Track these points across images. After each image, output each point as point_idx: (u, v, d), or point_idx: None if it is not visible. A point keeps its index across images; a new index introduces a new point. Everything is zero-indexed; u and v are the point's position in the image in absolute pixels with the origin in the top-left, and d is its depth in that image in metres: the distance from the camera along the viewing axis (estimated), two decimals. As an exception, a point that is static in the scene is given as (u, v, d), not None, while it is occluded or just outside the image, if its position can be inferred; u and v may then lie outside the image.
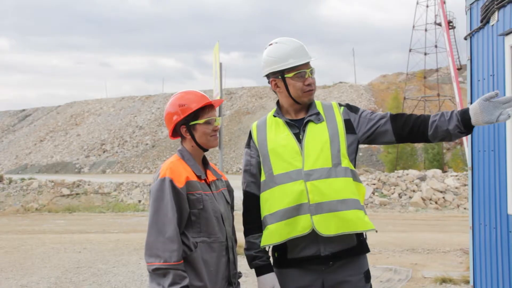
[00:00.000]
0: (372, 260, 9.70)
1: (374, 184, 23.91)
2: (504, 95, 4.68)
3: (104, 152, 73.41)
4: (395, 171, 27.83)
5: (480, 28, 5.29)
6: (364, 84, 79.27)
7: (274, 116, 3.15)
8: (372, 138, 3.05)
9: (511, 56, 4.65)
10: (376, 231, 3.02)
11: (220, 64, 10.32)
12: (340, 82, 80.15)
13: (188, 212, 2.90)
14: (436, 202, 22.26)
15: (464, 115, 2.78)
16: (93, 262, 10.39)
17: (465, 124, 2.77)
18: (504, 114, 2.66)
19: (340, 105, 3.14)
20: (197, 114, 3.02)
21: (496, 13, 4.86)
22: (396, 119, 3.00)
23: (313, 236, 2.88)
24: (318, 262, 2.95)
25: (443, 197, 22.55)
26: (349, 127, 3.05)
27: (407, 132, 2.95)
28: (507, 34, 4.64)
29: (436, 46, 61.50)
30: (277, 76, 3.05)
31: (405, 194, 23.14)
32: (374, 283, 7.72)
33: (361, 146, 3.24)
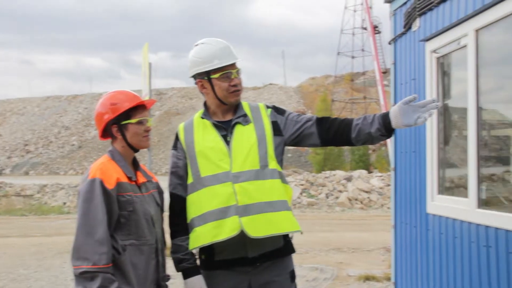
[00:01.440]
0: (299, 259, 9.84)
1: (302, 185, 24.26)
2: (424, 97, 4.87)
3: (27, 153, 71.00)
4: (323, 172, 28.37)
5: (403, 34, 5.48)
6: (294, 86, 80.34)
7: (202, 117, 3.13)
8: (298, 140, 3.09)
9: (431, 61, 4.84)
10: (302, 233, 3.05)
11: (150, 64, 10.19)
12: (270, 84, 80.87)
13: (117, 214, 2.84)
14: (361, 202, 22.84)
15: (385, 118, 2.86)
16: (13, 267, 10.00)
17: (386, 127, 2.85)
18: (421, 118, 2.76)
19: (268, 107, 3.16)
20: (129, 114, 2.97)
21: (418, 19, 5.04)
22: (322, 122, 3.05)
23: (240, 238, 2.89)
24: (246, 263, 2.96)
25: (368, 197, 23.17)
26: (276, 129, 3.07)
27: (332, 135, 3.00)
28: (428, 39, 4.82)
29: (363, 50, 63.16)
30: (203, 77, 3.04)
31: (332, 195, 23.61)
32: (300, 282, 7.84)
33: (289, 147, 3.27)
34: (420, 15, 4.98)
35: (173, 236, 3.08)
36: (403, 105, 2.79)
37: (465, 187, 4.25)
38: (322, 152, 46.21)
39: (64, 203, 23.65)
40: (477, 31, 4.06)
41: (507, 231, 3.62)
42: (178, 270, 3.05)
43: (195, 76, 3.09)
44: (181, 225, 3.05)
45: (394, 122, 2.82)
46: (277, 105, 3.25)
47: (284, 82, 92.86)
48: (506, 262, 3.62)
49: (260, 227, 2.88)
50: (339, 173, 26.40)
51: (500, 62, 4.24)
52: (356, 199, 23.01)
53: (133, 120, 2.96)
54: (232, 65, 3.04)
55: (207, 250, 3.00)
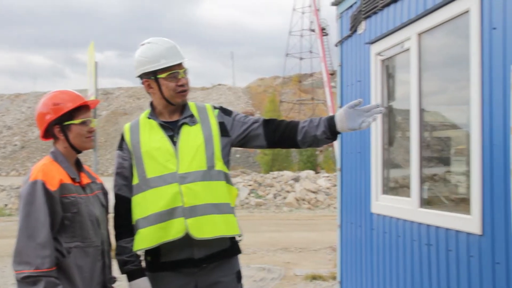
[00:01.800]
0: (247, 260, 9.87)
1: (250, 185, 24.32)
2: (369, 99, 4.97)
3: (-33, 152, 68.63)
4: (271, 173, 28.50)
5: (349, 36, 5.57)
6: (242, 87, 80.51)
7: (148, 118, 3.10)
8: (244, 141, 3.10)
9: (376, 63, 4.94)
10: (240, 236, 3.06)
11: (96, 63, 10.02)
12: (219, 84, 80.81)
13: (61, 216, 2.78)
14: (309, 202, 23.07)
15: (331, 121, 2.90)
16: (-51, 272, 9.65)
17: (332, 130, 2.89)
18: (365, 122, 2.81)
19: (215, 107, 3.16)
20: (71, 114, 2.91)
21: (364, 22, 5.13)
22: (268, 124, 3.07)
23: (186, 239, 2.87)
24: (192, 264, 2.94)
25: (315, 197, 23.43)
26: (223, 130, 3.07)
27: (278, 137, 3.02)
28: (373, 42, 4.92)
29: (311, 52, 63.90)
30: (150, 77, 3.01)
31: (280, 195, 23.77)
32: (248, 282, 7.86)
33: (238, 148, 3.27)
34: (365, 18, 5.08)
35: (118, 238, 3.03)
36: (349, 109, 2.83)
37: (408, 187, 4.36)
38: (270, 153, 46.45)
39: (6, 205, 22.97)
40: (419, 34, 4.17)
41: (447, 229, 3.73)
42: (122, 272, 3.01)
43: (141, 76, 3.06)
44: (126, 226, 3.01)
45: (339, 126, 2.87)
46: (225, 105, 3.26)
47: (233, 82, 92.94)
48: (446, 259, 3.73)
49: (204, 229, 2.87)
50: (287, 174, 26.59)
51: (442, 65, 4.36)
52: (303, 199, 23.23)
53: (76, 121, 2.91)
54: (179, 65, 3.02)
55: (153, 252, 2.98)
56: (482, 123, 3.35)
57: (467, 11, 3.50)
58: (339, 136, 3.01)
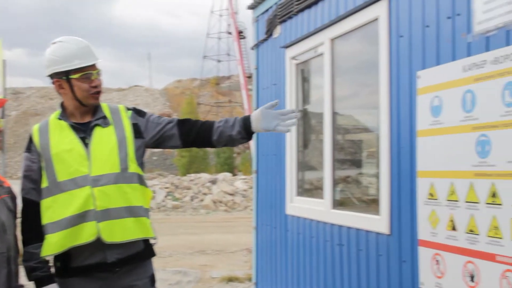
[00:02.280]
0: (162, 263, 9.76)
1: (167, 188, 24.09)
2: (284, 102, 5.04)
3: None
4: (188, 175, 28.36)
5: (265, 40, 5.63)
6: (160, 88, 79.61)
7: (59, 119, 2.99)
8: (159, 142, 3.07)
9: (290, 67, 5.03)
10: (155, 239, 3.03)
11: (4, 61, 9.60)
12: (135, 86, 79.52)
13: None
14: (226, 204, 23.13)
15: (246, 121, 2.92)
16: None
17: (247, 130, 2.92)
18: (281, 126, 2.85)
19: (128, 109, 3.10)
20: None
21: (279, 26, 5.20)
22: (183, 124, 3.05)
23: (98, 243, 2.80)
24: (104, 269, 2.87)
25: (233, 199, 23.52)
26: (137, 132, 3.02)
27: (193, 137, 3.01)
28: (288, 46, 5.00)
29: (228, 54, 64.12)
30: (62, 77, 2.92)
31: (197, 197, 23.69)
32: (163, 286, 7.77)
33: (155, 149, 3.24)
34: (280, 22, 5.16)
35: (25, 243, 2.91)
36: (265, 109, 2.86)
37: (322, 189, 4.46)
38: (187, 155, 46.16)
39: None
40: (332, 40, 4.28)
41: (357, 229, 3.85)
42: (30, 279, 2.89)
43: (52, 75, 2.96)
44: (34, 231, 2.89)
45: (254, 125, 2.89)
46: (142, 107, 3.20)
47: (150, 84, 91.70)
48: (357, 259, 3.85)
49: (116, 233, 2.82)
50: (204, 176, 26.55)
51: (355, 70, 4.49)
52: (220, 202, 23.26)
53: (-20, 121, 2.78)
54: (93, 66, 2.95)
55: (62, 257, 2.88)
56: (391, 127, 3.48)
57: (376, 19, 3.63)
58: (254, 137, 3.03)
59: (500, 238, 2.58)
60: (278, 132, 2.90)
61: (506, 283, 2.55)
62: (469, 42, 2.82)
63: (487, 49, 2.69)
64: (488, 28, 2.68)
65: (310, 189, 5.05)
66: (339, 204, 4.40)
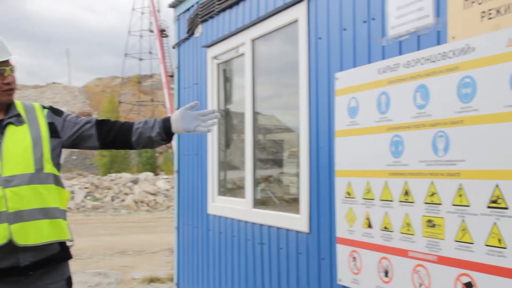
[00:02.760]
0: (82, 265, 9.51)
1: (86, 188, 23.51)
2: (206, 102, 5.04)
3: None
4: (109, 175, 27.79)
5: (186, 39, 5.60)
6: (79, 86, 77.56)
7: (-30, 116, 2.86)
8: (76, 142, 2.99)
9: (212, 67, 5.02)
10: (72, 241, 2.95)
11: None
12: (53, 83, 77.08)
13: None
14: (148, 205, 22.83)
15: (166, 123, 2.89)
16: None
17: (167, 132, 2.89)
18: (202, 126, 2.84)
19: (44, 107, 3.00)
20: None
21: (200, 26, 5.19)
22: (102, 124, 2.98)
23: (10, 246, 2.69)
24: (17, 273, 2.76)
25: (155, 199, 23.26)
26: (53, 131, 2.93)
27: (112, 138, 2.96)
28: (209, 46, 5.00)
29: (150, 53, 63.27)
30: (-28, 73, 2.79)
31: (118, 197, 23.25)
32: (82, 288, 7.59)
33: (74, 149, 3.14)
34: (202, 22, 5.14)
35: None
36: (185, 110, 2.85)
37: (244, 188, 4.48)
38: (108, 154, 45.22)
39: None
40: (253, 40, 4.32)
41: (278, 228, 3.90)
42: None
43: (-40, 71, 2.81)
44: None
45: (174, 127, 2.86)
46: (61, 105, 3.11)
47: (69, 81, 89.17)
48: (277, 257, 3.90)
49: (29, 235, 2.72)
50: (126, 176, 26.10)
51: (277, 70, 4.55)
52: (142, 202, 22.94)
53: None
54: (6, 62, 2.83)
55: (-28, 261, 2.75)
56: (310, 127, 3.55)
57: (296, 21, 3.69)
58: (175, 137, 3.01)
59: (412, 234, 2.69)
60: (199, 133, 2.90)
61: (417, 278, 2.66)
62: (383, 45, 2.92)
63: (400, 52, 2.79)
64: (400, 32, 2.79)
65: (232, 189, 5.07)
66: (260, 203, 4.44)
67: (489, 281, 2.28)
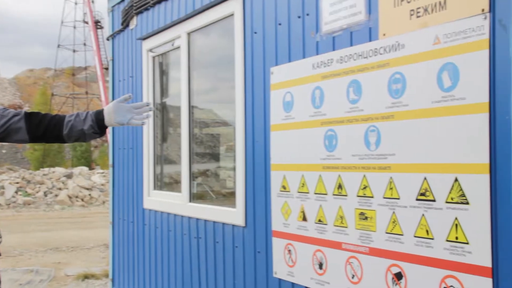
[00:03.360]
0: (13, 262, 9.22)
1: (17, 183, 22.76)
2: (142, 95, 4.97)
3: None
4: (41, 169, 27.01)
5: (121, 31, 5.50)
6: (9, 78, 74.84)
7: None
8: (4, 135, 2.88)
9: (147, 59, 4.96)
10: (0, 237, 2.85)
11: None
12: (-19, 74, 74.09)
13: None
14: (82, 200, 22.34)
15: (98, 115, 2.83)
16: None
17: (99, 125, 2.82)
18: (135, 119, 2.80)
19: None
20: None
21: (135, 18, 5.11)
22: (31, 117, 2.89)
23: None
24: None
25: (90, 194, 22.78)
26: None
27: (42, 131, 2.87)
28: (144, 38, 4.92)
29: (85, 44, 61.77)
30: None
31: (51, 192, 22.63)
32: (13, 286, 7.34)
33: (4, 143, 3.02)
34: (137, 13, 5.06)
35: None
36: (118, 103, 2.80)
37: (181, 182, 4.45)
38: (41, 148, 43.96)
39: None
40: (189, 33, 4.29)
41: (214, 222, 3.90)
42: None
43: None
44: None
45: (107, 120, 2.80)
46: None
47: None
48: (213, 251, 3.90)
49: None
50: (59, 170, 25.44)
51: (214, 64, 4.53)
52: (76, 197, 22.42)
53: None
54: None
55: None
56: (245, 121, 3.56)
57: (232, 14, 3.68)
58: (110, 130, 2.95)
59: (346, 227, 2.74)
60: (133, 126, 2.86)
61: (350, 269, 2.71)
62: (317, 41, 2.95)
63: (334, 48, 2.84)
64: (334, 28, 2.83)
65: (169, 183, 5.03)
66: (197, 197, 4.43)
67: (417, 271, 2.36)
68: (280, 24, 3.24)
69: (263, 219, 3.39)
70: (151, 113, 2.85)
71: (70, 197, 22.25)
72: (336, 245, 2.81)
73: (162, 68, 5.01)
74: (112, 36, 5.73)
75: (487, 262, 2.08)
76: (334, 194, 2.82)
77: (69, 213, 19.87)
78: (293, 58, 3.13)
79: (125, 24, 5.34)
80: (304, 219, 3.03)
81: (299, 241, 3.07)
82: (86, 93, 61.97)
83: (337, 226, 2.80)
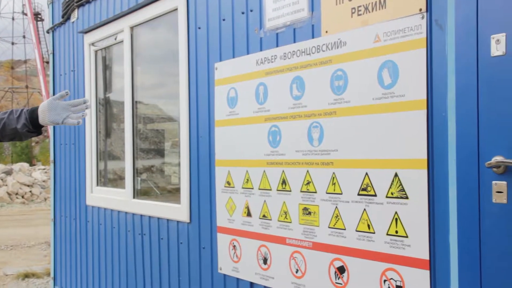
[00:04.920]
0: (-51, 263, 8.91)
1: (-46, 180, 21.95)
2: (84, 90, 4.87)
3: None
4: (-21, 166, 26.12)
5: (62, 23, 5.37)
6: None
7: None
8: None
9: (89, 53, 4.86)
10: None
11: None
12: None
13: None
14: (22, 197, 21.73)
15: (32, 114, 2.70)
16: None
17: (34, 123, 2.69)
18: (71, 118, 2.66)
19: None
20: None
21: (76, 10, 4.99)
22: None
23: None
24: None
25: (31, 191, 22.18)
26: None
27: None
28: (86, 32, 4.82)
29: (24, 37, 60.01)
30: None
31: (-10, 190, 21.93)
32: (-51, 288, 7.08)
33: None
34: (78, 6, 4.95)
35: None
36: (54, 100, 2.67)
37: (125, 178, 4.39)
38: (-22, 143, 42.49)
39: None
40: (132, 27, 4.22)
41: (159, 218, 3.86)
42: None
43: None
44: None
45: (41, 118, 2.66)
46: None
47: None
48: (158, 247, 3.87)
49: None
50: (-2, 167, 24.66)
51: (159, 59, 4.48)
52: (16, 194, 21.79)
53: None
54: None
55: None
56: (190, 116, 3.54)
57: (175, 9, 3.65)
58: (51, 126, 2.86)
59: (289, 222, 2.77)
60: (69, 125, 2.73)
61: (294, 264, 2.75)
62: (261, 37, 2.96)
63: (277, 44, 2.85)
64: (277, 25, 2.85)
65: (114, 179, 4.95)
66: (142, 193, 4.38)
67: (359, 265, 2.41)
68: (224, 19, 3.24)
69: (208, 215, 3.39)
70: (88, 111, 2.74)
71: (9, 194, 21.61)
72: (280, 240, 2.83)
73: (105, 62, 4.92)
74: (53, 29, 5.59)
75: (425, 255, 2.15)
76: (278, 190, 2.84)
77: (8, 210, 19.28)
78: (237, 54, 3.13)
79: (66, 16, 5.22)
80: (249, 214, 3.04)
81: (244, 237, 3.09)
82: (27, 87, 60.22)
83: (281, 221, 2.82)
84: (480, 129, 1.95)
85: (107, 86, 4.96)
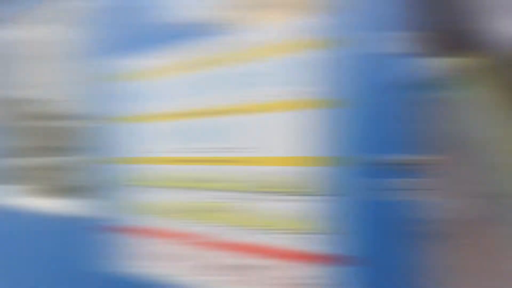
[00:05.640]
0: None
1: None
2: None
3: None
4: None
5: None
6: None
7: None
8: None
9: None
10: None
11: None
12: None
13: None
14: None
15: None
16: None
17: None
18: None
19: None
20: None
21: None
22: None
23: None
24: None
25: None
26: None
27: None
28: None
29: None
30: None
31: None
32: None
33: None
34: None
35: None
36: None
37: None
38: None
39: None
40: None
41: (59, 217, 3.71)
42: None
43: None
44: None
45: None
46: None
47: None
48: (58, 247, 3.72)
49: None
50: None
51: (56, 54, 4.30)
52: None
53: None
54: None
55: None
56: (92, 113, 3.41)
57: None
58: None
59: (193, 220, 2.73)
60: None
61: (194, 263, 2.71)
62: (165, 33, 2.91)
63: (181, 41, 2.80)
64: (181, 21, 2.80)
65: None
66: (41, 192, 4.20)
67: (261, 263, 2.41)
68: (125, 14, 3.15)
69: (111, 214, 3.29)
70: None
71: None
72: (184, 238, 2.79)
73: None
74: None
75: (326, 250, 2.17)
76: (181, 188, 2.80)
77: None
78: (140, 50, 3.05)
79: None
80: (153, 213, 2.98)
81: (147, 236, 3.02)
82: None
83: (186, 219, 2.78)
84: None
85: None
